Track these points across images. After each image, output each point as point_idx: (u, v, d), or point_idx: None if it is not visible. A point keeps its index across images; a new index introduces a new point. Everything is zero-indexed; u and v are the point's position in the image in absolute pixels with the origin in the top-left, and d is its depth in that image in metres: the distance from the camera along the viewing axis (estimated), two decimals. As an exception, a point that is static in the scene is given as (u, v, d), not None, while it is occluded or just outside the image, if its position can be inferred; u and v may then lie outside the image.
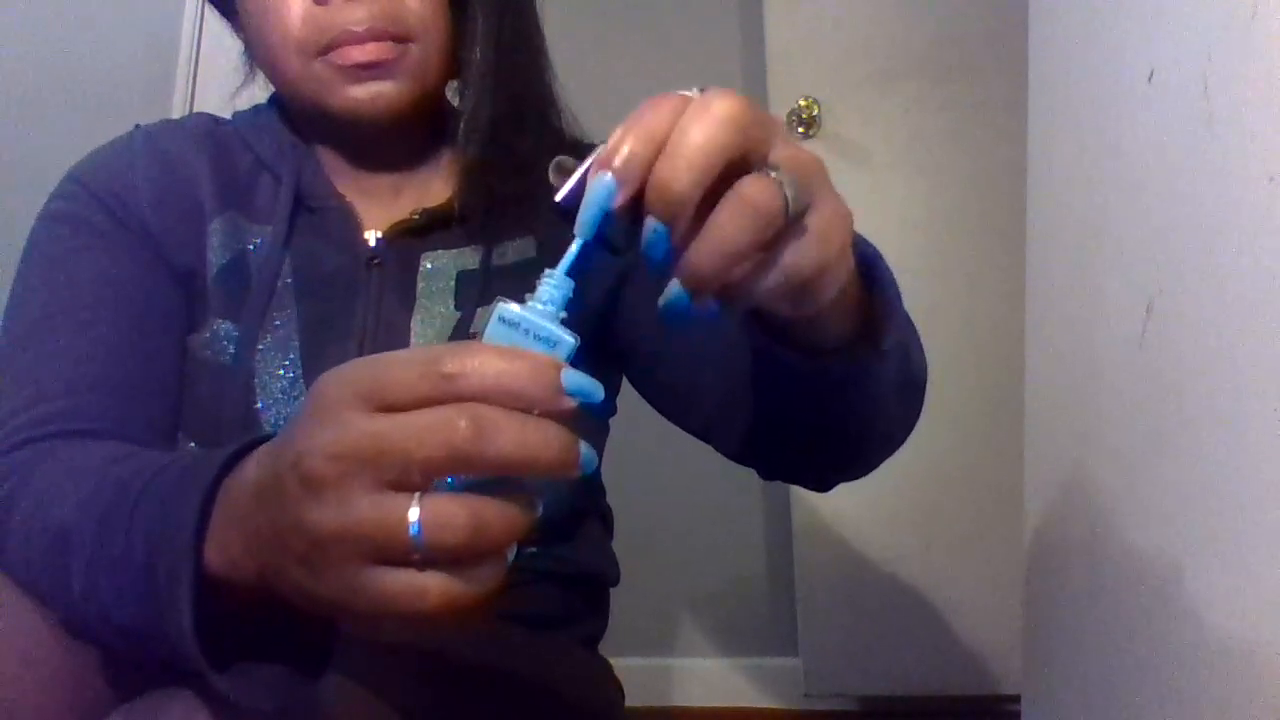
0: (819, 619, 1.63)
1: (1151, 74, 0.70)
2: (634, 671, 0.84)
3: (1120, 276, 0.76)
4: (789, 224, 0.37)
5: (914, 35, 1.66)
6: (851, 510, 1.60)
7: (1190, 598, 0.62)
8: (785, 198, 0.36)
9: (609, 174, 0.36)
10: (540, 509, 0.37)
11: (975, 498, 1.55)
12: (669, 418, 0.72)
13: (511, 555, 0.37)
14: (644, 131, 0.36)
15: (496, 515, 0.35)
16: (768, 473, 0.64)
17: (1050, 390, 0.93)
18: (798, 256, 0.37)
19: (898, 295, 0.49)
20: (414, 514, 0.34)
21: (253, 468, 0.40)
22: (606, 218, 0.36)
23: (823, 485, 0.63)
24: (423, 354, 0.35)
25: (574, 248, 0.38)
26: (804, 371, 0.48)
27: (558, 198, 0.39)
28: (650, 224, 0.36)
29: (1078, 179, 0.87)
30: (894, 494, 1.54)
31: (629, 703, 0.81)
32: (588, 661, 0.78)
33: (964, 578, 1.57)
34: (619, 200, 0.36)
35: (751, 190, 0.36)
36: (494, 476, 0.35)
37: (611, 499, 0.85)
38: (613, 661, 0.81)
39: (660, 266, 0.37)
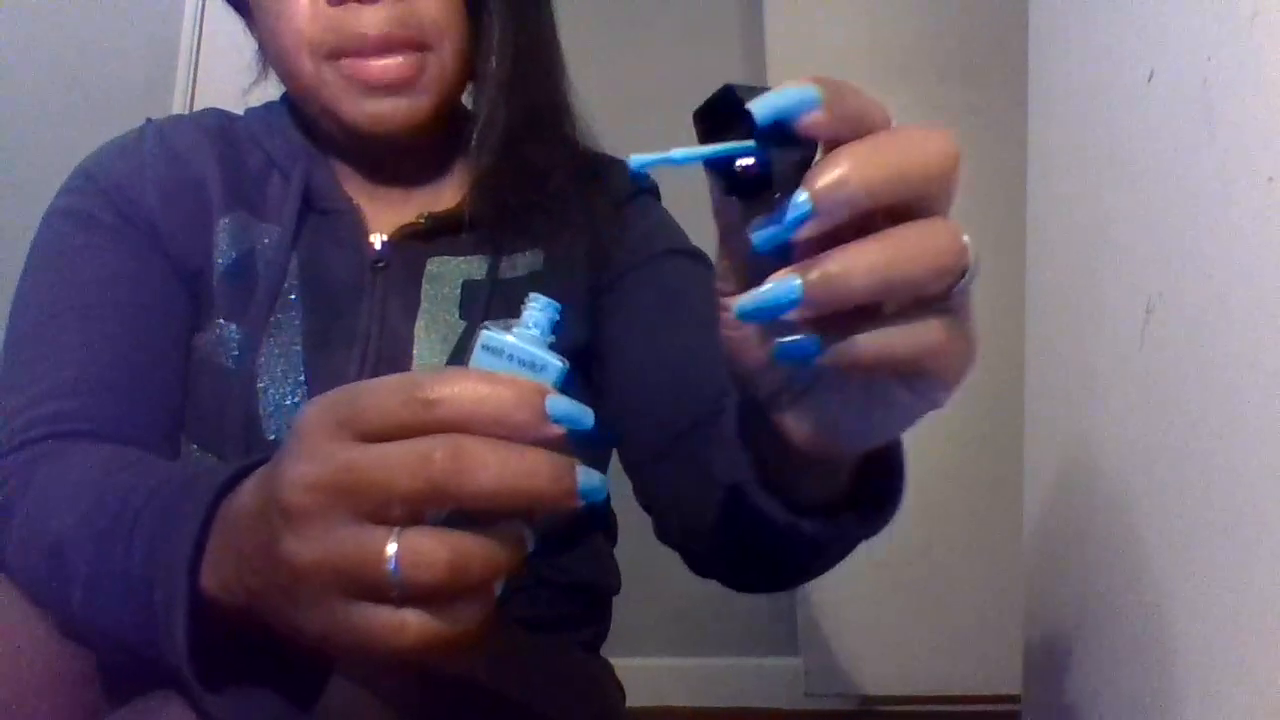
0: (819, 619, 1.63)
1: (1151, 74, 0.70)
2: (634, 671, 0.84)
3: (1120, 277, 0.75)
4: (950, 296, 0.32)
5: (914, 35, 1.65)
6: (851, 510, 1.60)
7: (1189, 598, 0.62)
8: (969, 265, 0.32)
9: (816, 88, 0.30)
10: (533, 544, 0.36)
11: (975, 498, 1.55)
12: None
13: (499, 591, 0.35)
14: (862, 104, 0.31)
15: (480, 553, 0.33)
16: (664, 537, 0.64)
17: (1050, 390, 0.93)
18: (938, 336, 0.32)
19: (905, 480, 0.46)
20: (391, 550, 0.32)
21: (247, 493, 0.39)
22: (772, 129, 0.30)
23: (721, 580, 0.62)
24: (403, 380, 0.34)
25: (729, 144, 0.32)
26: (779, 524, 0.45)
27: (733, 83, 0.32)
28: (801, 196, 0.30)
29: (1078, 179, 0.87)
30: (894, 494, 1.54)
31: (629, 703, 0.81)
32: (588, 662, 0.78)
33: (964, 578, 1.56)
34: (808, 119, 0.30)
35: (949, 231, 0.31)
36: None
37: (612, 499, 0.84)
38: (613, 662, 0.80)
39: (775, 248, 0.32)
